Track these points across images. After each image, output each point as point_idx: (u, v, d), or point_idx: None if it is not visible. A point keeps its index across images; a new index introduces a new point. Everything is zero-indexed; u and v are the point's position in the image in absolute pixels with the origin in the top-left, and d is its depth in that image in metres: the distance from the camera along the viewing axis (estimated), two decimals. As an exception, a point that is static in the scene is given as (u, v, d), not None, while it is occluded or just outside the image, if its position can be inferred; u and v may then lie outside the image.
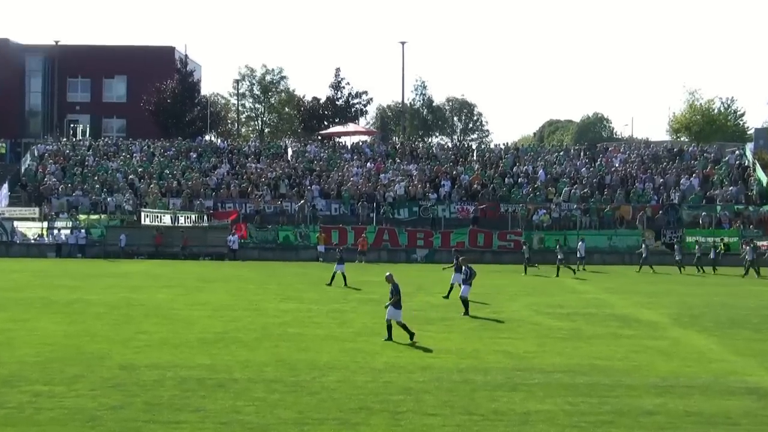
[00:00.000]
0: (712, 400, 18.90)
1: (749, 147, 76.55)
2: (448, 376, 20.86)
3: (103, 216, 63.98)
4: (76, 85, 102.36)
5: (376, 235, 62.65)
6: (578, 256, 55.32)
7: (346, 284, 41.43)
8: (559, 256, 51.84)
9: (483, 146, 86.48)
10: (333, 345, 24.80)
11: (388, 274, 26.08)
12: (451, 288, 36.89)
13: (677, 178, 68.61)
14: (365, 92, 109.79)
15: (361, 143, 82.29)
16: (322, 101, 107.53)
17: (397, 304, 25.28)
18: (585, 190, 66.95)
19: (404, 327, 25.23)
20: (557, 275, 49.86)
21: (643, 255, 55.81)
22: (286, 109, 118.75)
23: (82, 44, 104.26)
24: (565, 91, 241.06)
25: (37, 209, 64.49)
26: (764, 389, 20.12)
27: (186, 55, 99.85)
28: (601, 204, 65.28)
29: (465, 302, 31.65)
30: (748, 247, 53.28)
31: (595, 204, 65.24)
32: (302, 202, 64.71)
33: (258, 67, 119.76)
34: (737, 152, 74.16)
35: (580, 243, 56.50)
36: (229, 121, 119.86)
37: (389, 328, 25.41)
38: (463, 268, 32.72)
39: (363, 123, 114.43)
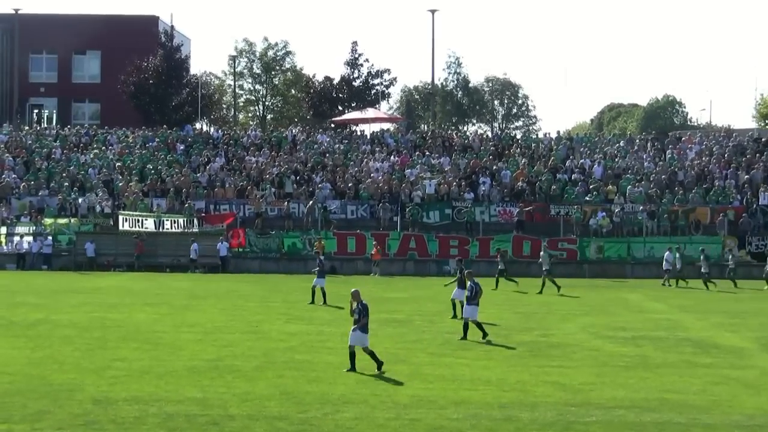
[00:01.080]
0: (808, 443, 18.84)
1: None
2: (488, 412, 20.84)
3: (73, 220, 64.30)
4: (41, 62, 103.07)
5: (400, 243, 62.70)
6: (675, 268, 55.23)
7: (325, 302, 41.79)
8: (499, 266, 51.85)
9: (529, 136, 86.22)
10: (349, 375, 24.82)
11: (354, 290, 25.72)
12: (454, 306, 37.03)
13: (765, 173, 68.32)
14: (387, 71, 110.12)
15: (382, 132, 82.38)
16: (335, 82, 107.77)
17: (364, 327, 25.04)
18: (653, 189, 66.77)
19: (372, 355, 25.11)
20: (495, 287, 49.52)
21: (730, 266, 55.88)
22: (293, 92, 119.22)
23: (47, 13, 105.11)
24: (629, 70, 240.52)
25: (-7, 212, 64.95)
26: None
27: (172, 27, 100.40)
28: (672, 205, 65.10)
29: (468, 325, 31.40)
30: None
31: (665, 205, 65.06)
32: (311, 202, 64.86)
33: (258, 41, 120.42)
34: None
35: (667, 253, 56.30)
36: (224, 106, 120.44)
37: (352, 356, 25.23)
38: (468, 283, 32.06)
39: (385, 108, 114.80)
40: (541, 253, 52.53)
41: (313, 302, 41.93)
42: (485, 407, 21.25)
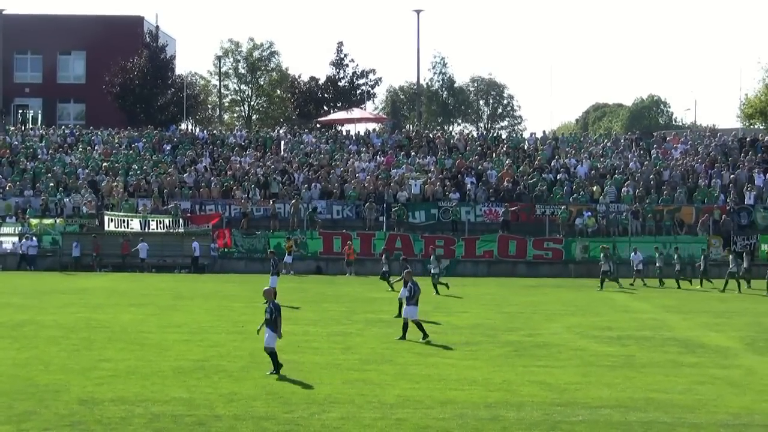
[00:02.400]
0: (793, 442, 18.89)
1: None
2: (474, 412, 20.86)
3: (58, 220, 64.17)
4: (25, 62, 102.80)
5: (386, 243, 62.61)
6: (635, 269, 55.52)
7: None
8: (432, 270, 49.76)
9: (515, 136, 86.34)
10: (335, 375, 24.83)
11: (266, 288, 25.65)
12: (401, 305, 36.94)
13: (750, 173, 68.52)
14: (373, 71, 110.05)
15: (368, 132, 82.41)
16: (321, 82, 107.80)
17: (273, 327, 24.70)
18: (638, 189, 66.91)
19: (273, 356, 24.75)
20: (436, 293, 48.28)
21: (701, 267, 55.76)
22: (278, 92, 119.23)
23: (31, 13, 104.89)
24: (613, 70, 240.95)
25: (-23, 213, 64.81)
26: None
27: (157, 27, 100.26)
28: (657, 205, 65.23)
29: (408, 325, 31.24)
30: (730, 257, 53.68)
31: (650, 205, 65.20)
32: (294, 201, 64.78)
33: (244, 42, 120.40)
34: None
35: (633, 254, 56.61)
36: (209, 107, 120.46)
37: (272, 355, 24.74)
38: (408, 283, 31.77)
39: (370, 108, 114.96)
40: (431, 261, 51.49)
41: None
42: (471, 407, 21.26)
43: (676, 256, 56.01)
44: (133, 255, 62.03)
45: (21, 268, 61.07)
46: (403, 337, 31.00)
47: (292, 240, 60.82)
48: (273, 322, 24.71)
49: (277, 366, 24.51)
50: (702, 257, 56.15)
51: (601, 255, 54.39)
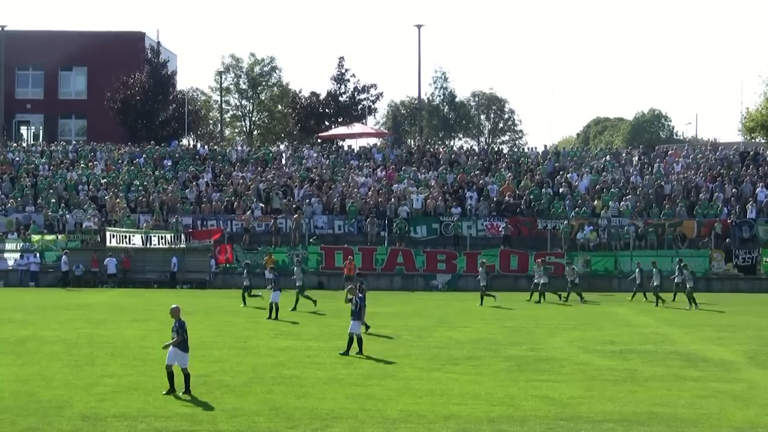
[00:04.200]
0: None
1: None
2: (477, 427, 20.88)
3: (60, 236, 64.18)
4: (27, 78, 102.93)
5: (387, 258, 62.71)
6: (654, 284, 54.55)
7: (277, 317, 42.34)
8: (481, 282, 50.72)
9: (516, 150, 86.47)
10: (338, 390, 24.84)
11: (174, 306, 25.05)
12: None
13: (753, 187, 68.54)
14: (374, 86, 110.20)
15: (369, 147, 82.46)
16: (322, 97, 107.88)
17: (181, 345, 24.18)
18: (639, 203, 66.94)
19: (186, 378, 24.19)
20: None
21: (686, 283, 51.93)
22: (279, 107, 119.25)
23: (33, 29, 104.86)
24: (614, 84, 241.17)
25: (-22, 229, 64.81)
26: None
27: (158, 43, 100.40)
28: (659, 219, 65.24)
29: (357, 340, 31.20)
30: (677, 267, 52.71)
31: (652, 219, 65.17)
32: (296, 216, 64.82)
33: (245, 57, 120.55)
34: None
35: (638, 271, 55.91)
36: (210, 122, 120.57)
37: (170, 376, 24.12)
38: (353, 298, 31.67)
39: (372, 123, 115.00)
40: (534, 267, 52.45)
41: (270, 317, 42.35)
42: (474, 422, 21.28)
43: (654, 270, 52.79)
44: (134, 271, 62.11)
45: (23, 284, 61.05)
46: (346, 353, 30.92)
47: (269, 255, 60.81)
48: (183, 341, 24.13)
49: (187, 386, 23.96)
50: (677, 270, 53.31)
51: (539, 268, 54.46)
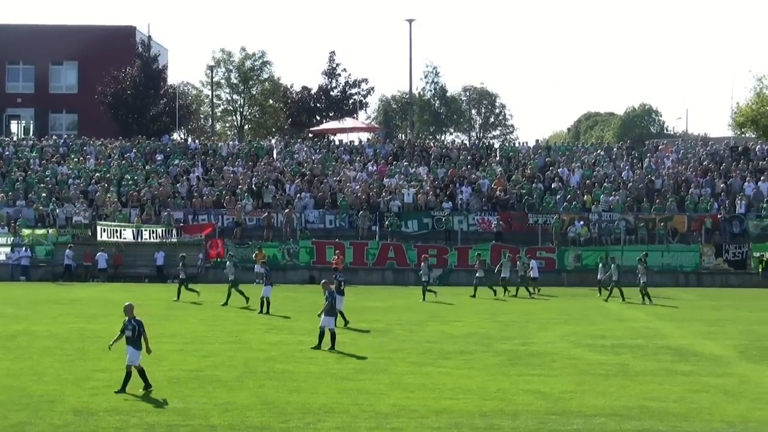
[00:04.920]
0: (787, 449, 18.94)
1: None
2: (469, 421, 20.88)
3: (51, 231, 64.06)
4: (17, 72, 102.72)
5: (379, 252, 62.71)
6: (532, 276, 55.25)
7: (268, 311, 42.28)
8: (423, 277, 50.45)
9: (507, 145, 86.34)
10: (330, 384, 24.84)
11: (127, 304, 24.61)
12: (342, 315, 37.22)
13: (742, 181, 68.64)
14: (365, 80, 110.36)
15: (360, 142, 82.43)
16: (313, 91, 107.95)
17: (137, 344, 23.73)
18: (630, 197, 67.01)
19: (141, 372, 23.71)
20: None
21: (613, 278, 51.87)
22: (270, 102, 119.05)
23: (23, 23, 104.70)
24: (605, 79, 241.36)
25: (-31, 223, 64.64)
26: None
27: (149, 37, 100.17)
28: (650, 213, 65.32)
29: (331, 335, 31.12)
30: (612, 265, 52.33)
31: (643, 214, 65.24)
32: (287, 211, 64.77)
33: (236, 51, 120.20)
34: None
35: (533, 262, 56.81)
36: (201, 116, 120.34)
37: (128, 375, 23.65)
38: (325, 292, 31.55)
39: (363, 117, 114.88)
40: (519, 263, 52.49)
41: (261, 312, 42.34)
42: (466, 416, 21.29)
43: (613, 266, 51.98)
44: (125, 266, 62.05)
45: (14, 279, 60.93)
46: (318, 347, 30.88)
47: (259, 250, 60.82)
48: (136, 339, 23.62)
49: (125, 385, 23.48)
50: (639, 266, 51.67)
51: (476, 262, 54.81)
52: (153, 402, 22.33)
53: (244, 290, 46.33)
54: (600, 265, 53.42)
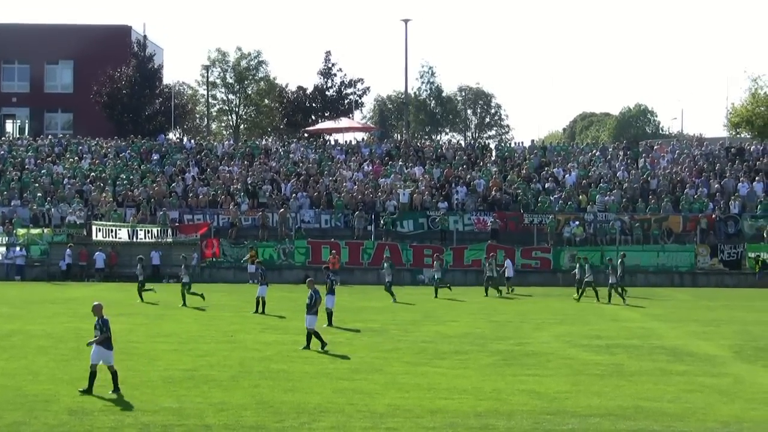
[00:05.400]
0: (782, 449, 18.95)
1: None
2: (464, 421, 20.88)
3: (46, 230, 64.02)
4: (12, 72, 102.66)
5: (374, 252, 62.63)
6: (507, 275, 55.83)
7: (264, 311, 42.22)
8: (436, 275, 53.18)
9: (503, 145, 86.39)
10: (325, 384, 24.83)
11: (96, 303, 23.92)
12: (328, 315, 37.46)
13: (737, 182, 68.69)
14: (361, 80, 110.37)
15: (356, 141, 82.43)
16: (308, 91, 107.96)
17: (105, 343, 23.31)
18: (626, 198, 67.03)
19: (114, 374, 23.41)
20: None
21: (586, 278, 51.45)
22: (266, 101, 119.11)
23: (18, 23, 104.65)
24: (600, 79, 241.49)
25: (-36, 223, 64.57)
26: None
27: (145, 36, 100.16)
28: (645, 214, 65.36)
29: (309, 335, 31.05)
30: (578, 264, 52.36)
31: (638, 214, 65.28)
32: (281, 210, 64.75)
33: (231, 51, 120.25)
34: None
35: (507, 261, 57.20)
36: (197, 116, 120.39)
37: (92, 375, 23.24)
38: (309, 291, 31.56)
39: (358, 117, 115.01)
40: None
41: (257, 312, 42.29)
42: (461, 416, 21.30)
43: (586, 266, 51.63)
44: (120, 265, 62.00)
45: (8, 278, 60.89)
46: (307, 347, 30.86)
47: (254, 251, 60.94)
48: (107, 339, 23.31)
49: (91, 386, 23.16)
50: (619, 263, 51.74)
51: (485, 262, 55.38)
52: (148, 402, 22.31)
53: (197, 290, 46.74)
54: (577, 265, 53.16)
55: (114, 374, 23.38)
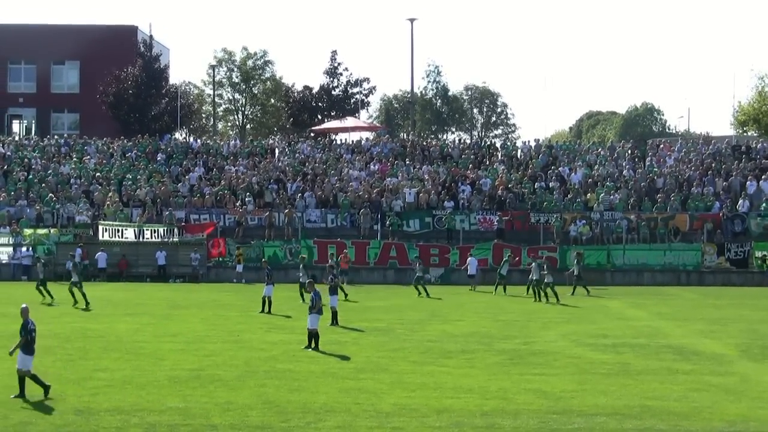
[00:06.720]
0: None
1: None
2: (470, 420, 20.88)
3: (52, 230, 64.03)
4: (19, 72, 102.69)
5: (381, 251, 62.68)
6: (469, 274, 56.53)
7: (270, 311, 42.27)
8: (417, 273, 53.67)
9: (509, 144, 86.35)
10: (331, 383, 24.84)
11: (23, 306, 23.89)
12: (333, 314, 37.59)
13: (744, 180, 68.56)
14: (367, 80, 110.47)
15: (362, 141, 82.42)
16: (315, 91, 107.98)
17: (27, 347, 22.98)
18: (632, 197, 66.94)
19: (35, 379, 22.91)
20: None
21: (575, 273, 53.25)
22: (272, 101, 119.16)
23: (25, 23, 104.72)
24: (607, 78, 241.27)
25: (-29, 223, 64.62)
26: None
27: (151, 36, 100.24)
28: (652, 212, 65.26)
29: (311, 335, 31.17)
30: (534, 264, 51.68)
31: (644, 213, 65.17)
32: (287, 210, 64.77)
33: (238, 51, 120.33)
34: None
35: (469, 259, 57.91)
36: (203, 116, 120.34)
37: (22, 380, 22.80)
38: (311, 293, 31.80)
39: (364, 117, 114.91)
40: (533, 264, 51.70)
41: (263, 311, 42.32)
42: (467, 415, 21.29)
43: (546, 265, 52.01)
44: (129, 265, 62.03)
45: (15, 278, 60.91)
46: (309, 347, 30.93)
47: (241, 249, 61.10)
48: (30, 343, 23.00)
49: (46, 387, 22.85)
50: (575, 263, 53.72)
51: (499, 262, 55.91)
52: (154, 401, 22.33)
53: (52, 290, 47.21)
54: (534, 264, 52.47)
55: (34, 378, 22.74)
